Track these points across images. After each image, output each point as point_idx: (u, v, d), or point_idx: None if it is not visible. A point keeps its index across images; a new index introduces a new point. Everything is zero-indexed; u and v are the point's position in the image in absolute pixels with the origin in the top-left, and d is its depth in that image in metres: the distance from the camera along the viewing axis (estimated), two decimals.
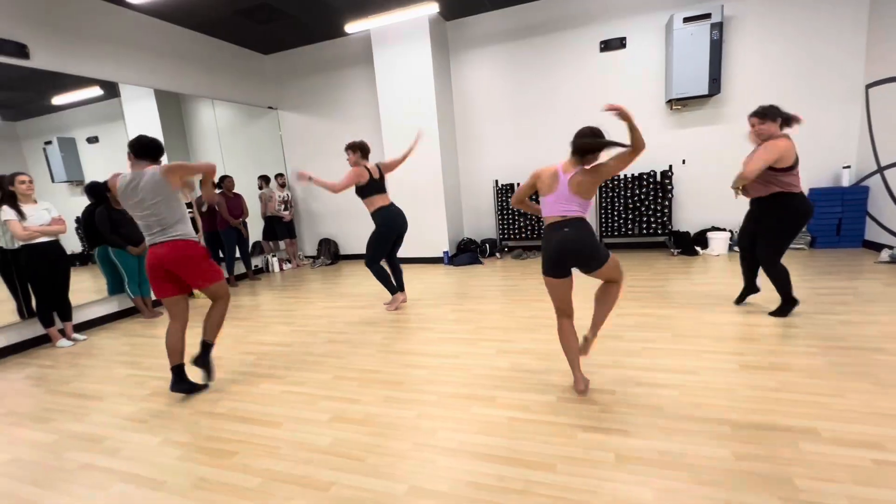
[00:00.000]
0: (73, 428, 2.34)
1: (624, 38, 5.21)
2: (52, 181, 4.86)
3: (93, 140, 5.23)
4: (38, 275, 3.62)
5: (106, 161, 5.17)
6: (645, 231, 5.34)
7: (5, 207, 3.44)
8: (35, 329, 3.84)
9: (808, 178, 4.86)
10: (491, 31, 5.72)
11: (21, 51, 3.92)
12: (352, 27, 5.28)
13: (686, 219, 5.39)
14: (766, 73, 4.80)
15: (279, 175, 6.47)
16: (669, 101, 5.07)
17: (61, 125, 5.00)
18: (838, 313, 2.93)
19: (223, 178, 5.56)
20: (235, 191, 5.66)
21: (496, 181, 5.90)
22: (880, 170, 4.40)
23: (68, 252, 4.87)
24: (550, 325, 2.38)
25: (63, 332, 3.87)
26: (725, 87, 4.91)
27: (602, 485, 1.56)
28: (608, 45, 5.28)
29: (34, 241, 3.55)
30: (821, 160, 4.80)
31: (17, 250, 3.58)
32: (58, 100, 4.93)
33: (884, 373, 2.14)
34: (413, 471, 1.73)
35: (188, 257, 2.42)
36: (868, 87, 4.53)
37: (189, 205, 5.04)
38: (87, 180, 4.57)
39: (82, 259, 4.65)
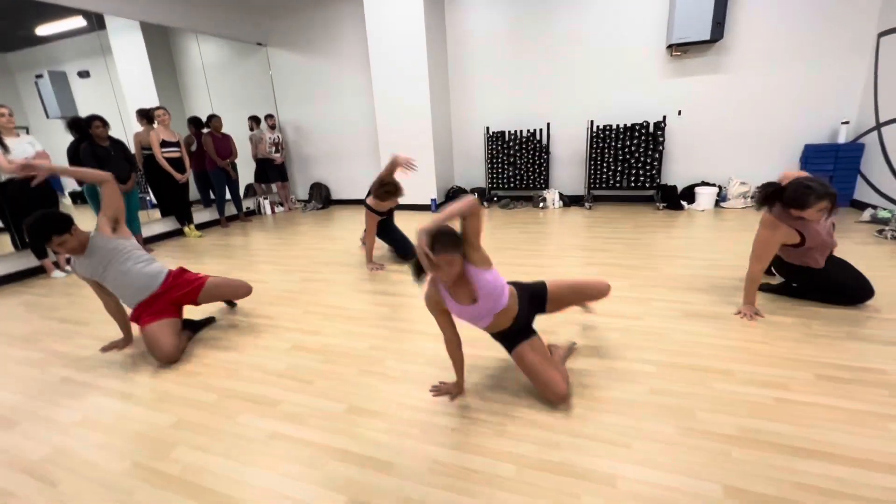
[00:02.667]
0: (58, 348, 2.53)
1: None
2: (47, 117, 4.85)
3: (84, 74, 5.15)
4: (26, 208, 3.73)
5: (98, 96, 5.12)
6: (633, 184, 5.28)
7: None
8: (31, 260, 4.02)
9: (805, 134, 4.73)
10: None
11: None
12: None
13: (677, 172, 5.31)
14: (774, 18, 4.52)
15: (269, 116, 6.38)
16: (670, 47, 4.83)
17: (52, 58, 4.92)
18: None
19: (210, 116, 5.52)
20: (224, 131, 5.62)
21: (487, 128, 5.78)
22: (878, 126, 4.25)
23: (68, 190, 4.96)
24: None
25: (57, 264, 4.05)
26: (729, 33, 4.65)
27: (519, 402, 1.70)
28: None
29: (20, 176, 3.63)
30: (819, 114, 4.63)
31: (4, 183, 3.67)
32: (42, 30, 4.82)
33: (819, 324, 2.22)
34: (354, 393, 1.89)
35: None
36: (881, 35, 4.26)
37: (176, 143, 5.04)
38: (82, 116, 4.49)
39: (83, 198, 4.53)
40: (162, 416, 1.82)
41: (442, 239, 1.44)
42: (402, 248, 3.69)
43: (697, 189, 4.99)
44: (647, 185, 5.23)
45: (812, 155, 4.60)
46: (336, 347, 2.30)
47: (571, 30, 5.23)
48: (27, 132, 4.59)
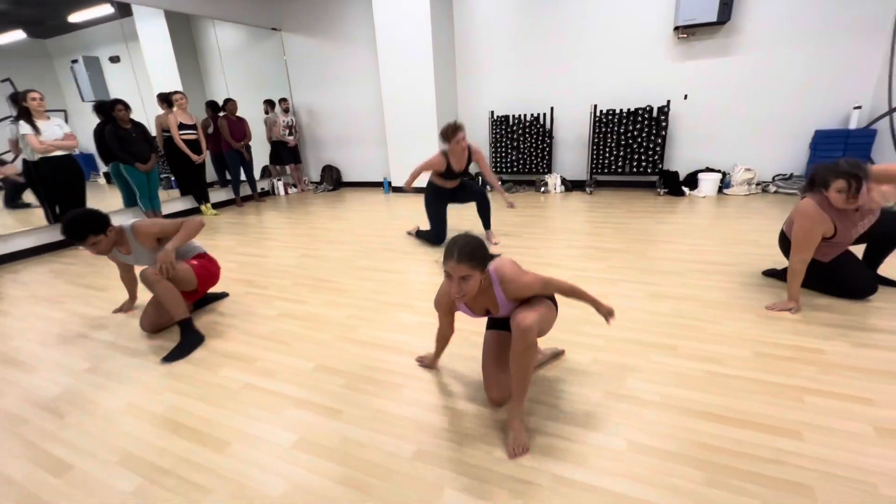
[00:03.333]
0: (78, 310, 2.84)
1: None
2: (83, 100, 5.21)
3: (115, 59, 5.48)
4: (56, 185, 4.08)
5: (128, 80, 5.45)
6: (636, 170, 5.26)
7: (22, 122, 3.83)
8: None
9: (815, 119, 4.60)
10: None
11: None
12: None
13: (681, 157, 5.25)
14: None
15: (283, 100, 6.60)
16: (676, 29, 4.75)
17: (86, 44, 5.25)
18: (774, 254, 2.97)
19: (226, 100, 5.78)
20: (239, 114, 5.88)
21: (491, 112, 5.84)
22: (890, 111, 4.10)
23: (101, 171, 5.34)
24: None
25: None
26: (737, 14, 4.53)
27: (475, 368, 1.87)
28: None
29: (50, 155, 3.97)
30: (831, 99, 4.48)
31: (37, 162, 4.02)
32: (73, 17, 5.15)
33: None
34: (325, 354, 2.09)
35: None
36: None
37: (193, 126, 5.33)
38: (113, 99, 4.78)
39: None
40: (156, 367, 2.07)
41: (468, 249, 1.26)
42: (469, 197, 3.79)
43: (700, 175, 4.93)
44: (649, 170, 5.20)
45: (821, 141, 4.48)
46: (318, 316, 2.51)
47: (577, 12, 5.19)
48: (65, 114, 4.96)
